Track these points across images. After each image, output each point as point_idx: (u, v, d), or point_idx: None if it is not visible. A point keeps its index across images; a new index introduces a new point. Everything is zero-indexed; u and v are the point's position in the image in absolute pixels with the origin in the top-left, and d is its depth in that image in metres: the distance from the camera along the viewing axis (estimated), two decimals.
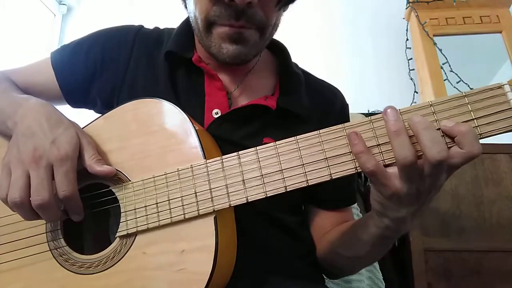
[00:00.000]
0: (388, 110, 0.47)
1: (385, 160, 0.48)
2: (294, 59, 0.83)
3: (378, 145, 0.48)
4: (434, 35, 1.85)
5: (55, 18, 2.37)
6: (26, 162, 0.53)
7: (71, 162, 0.53)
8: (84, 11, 2.44)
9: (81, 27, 2.39)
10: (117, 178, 0.57)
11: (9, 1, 2.06)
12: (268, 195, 0.50)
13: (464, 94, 0.47)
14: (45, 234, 0.58)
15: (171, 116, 0.57)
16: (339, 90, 0.85)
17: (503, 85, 0.47)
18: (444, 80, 1.77)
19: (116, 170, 0.57)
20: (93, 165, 0.55)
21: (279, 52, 0.82)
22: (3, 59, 1.96)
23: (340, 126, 0.50)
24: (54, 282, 0.55)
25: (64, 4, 2.39)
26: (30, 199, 0.52)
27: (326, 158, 0.49)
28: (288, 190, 0.50)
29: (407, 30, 2.02)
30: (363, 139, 0.47)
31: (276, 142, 0.51)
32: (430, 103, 0.48)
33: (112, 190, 0.56)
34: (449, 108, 0.47)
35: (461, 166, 0.45)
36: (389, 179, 0.46)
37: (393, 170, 0.46)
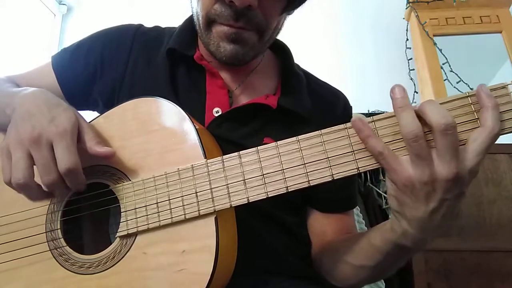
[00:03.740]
0: (396, 88, 0.46)
1: None
2: (295, 58, 0.83)
3: None
4: (434, 35, 1.85)
5: (55, 18, 2.37)
6: (26, 142, 0.52)
7: (70, 136, 0.52)
8: (84, 11, 2.44)
9: (81, 27, 2.40)
10: (117, 178, 0.56)
11: (9, 1, 2.06)
12: (269, 196, 0.49)
13: (467, 94, 0.47)
14: (44, 234, 0.58)
15: (171, 115, 0.57)
16: (342, 93, 0.84)
17: (507, 85, 0.46)
18: (444, 80, 1.78)
19: (116, 169, 0.57)
20: (93, 147, 0.54)
21: (282, 52, 0.82)
22: (3, 59, 1.96)
23: (341, 126, 0.49)
24: (54, 282, 0.55)
25: (64, 4, 2.40)
26: (41, 180, 0.51)
27: (328, 158, 0.49)
28: (289, 190, 0.49)
29: (407, 30, 2.03)
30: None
31: (278, 142, 0.51)
32: None
33: (112, 190, 0.56)
34: (452, 108, 0.47)
35: (485, 150, 0.44)
36: (401, 163, 0.45)
37: (405, 156, 0.46)
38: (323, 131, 0.50)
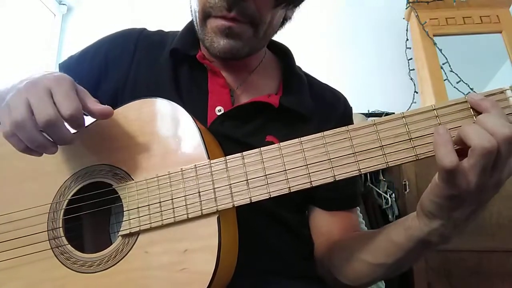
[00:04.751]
0: (441, 128, 0.46)
1: (388, 163, 0.48)
2: (296, 58, 0.84)
3: (381, 147, 0.48)
4: (434, 35, 1.85)
5: (55, 18, 2.37)
6: (23, 90, 0.51)
7: (69, 82, 0.52)
8: (84, 11, 2.44)
9: (81, 27, 2.40)
10: (120, 177, 0.57)
11: (9, 1, 2.06)
12: (271, 196, 0.50)
13: (465, 99, 0.47)
14: (46, 232, 0.58)
15: (175, 116, 0.57)
16: (342, 94, 0.85)
17: (505, 90, 0.47)
18: (444, 80, 1.77)
19: (119, 168, 0.57)
20: (93, 106, 0.54)
21: (283, 54, 0.84)
22: (3, 59, 1.95)
23: (344, 128, 0.50)
24: (55, 281, 0.55)
25: (64, 4, 2.40)
26: (36, 119, 0.49)
27: (330, 159, 0.49)
28: (291, 191, 0.50)
29: (407, 30, 2.02)
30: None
31: (280, 143, 0.51)
32: (434, 107, 0.48)
33: (115, 189, 0.56)
34: (452, 112, 0.47)
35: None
36: (465, 175, 0.43)
37: (467, 164, 0.43)
38: (326, 133, 0.50)
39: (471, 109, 0.47)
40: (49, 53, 2.30)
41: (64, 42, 2.38)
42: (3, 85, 0.70)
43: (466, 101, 0.47)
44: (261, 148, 0.52)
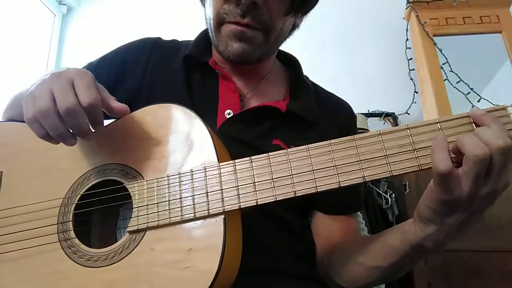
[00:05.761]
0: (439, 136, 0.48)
1: (392, 171, 0.49)
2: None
3: (385, 156, 0.50)
4: (434, 35, 1.85)
5: (55, 18, 2.38)
6: (47, 81, 0.54)
7: (90, 77, 0.55)
8: (84, 11, 2.44)
9: (81, 27, 2.40)
10: (131, 176, 0.58)
11: (9, 1, 2.06)
12: (277, 199, 0.51)
13: (469, 114, 0.49)
14: (56, 225, 0.58)
15: (188, 121, 0.59)
16: (347, 103, 0.88)
17: (507, 106, 0.49)
18: (444, 80, 1.77)
19: (131, 168, 0.58)
20: (112, 103, 0.57)
21: (291, 64, 0.87)
22: (3, 59, 1.96)
23: (349, 137, 0.52)
24: (60, 273, 0.55)
25: (64, 4, 2.40)
26: (57, 106, 0.52)
27: (335, 166, 0.51)
28: (297, 195, 0.51)
29: (407, 30, 2.02)
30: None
31: (288, 149, 0.53)
32: (437, 120, 0.50)
33: (126, 186, 0.57)
34: (455, 125, 0.50)
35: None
36: (458, 181, 0.45)
37: (461, 171, 0.45)
38: (332, 141, 0.52)
39: (473, 124, 0.49)
40: (49, 53, 2.30)
41: (64, 42, 2.38)
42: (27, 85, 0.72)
43: (469, 116, 0.49)
44: (269, 153, 0.53)
